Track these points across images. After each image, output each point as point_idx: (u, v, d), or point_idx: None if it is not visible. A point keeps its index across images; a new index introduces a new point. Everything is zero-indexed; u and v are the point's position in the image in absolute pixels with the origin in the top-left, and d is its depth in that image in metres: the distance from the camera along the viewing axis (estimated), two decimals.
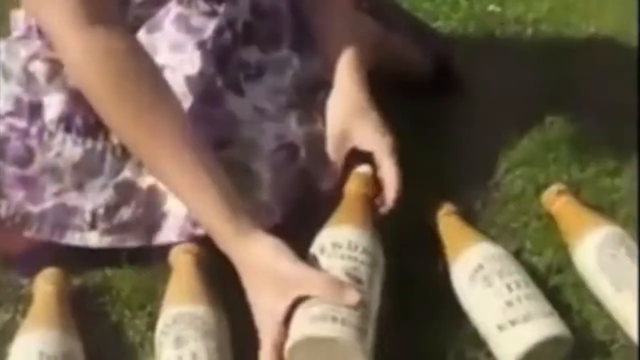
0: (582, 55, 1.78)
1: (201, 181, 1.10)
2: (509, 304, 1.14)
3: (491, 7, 1.91)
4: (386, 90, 1.44)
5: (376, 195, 1.24)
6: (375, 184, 1.25)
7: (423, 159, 1.41)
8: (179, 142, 1.12)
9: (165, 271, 1.23)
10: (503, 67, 1.68)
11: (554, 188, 1.37)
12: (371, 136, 1.25)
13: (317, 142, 1.28)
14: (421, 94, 1.55)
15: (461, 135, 1.52)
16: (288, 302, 1.04)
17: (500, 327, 1.13)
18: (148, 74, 1.14)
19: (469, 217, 1.35)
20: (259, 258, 1.07)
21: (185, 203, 1.16)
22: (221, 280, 1.22)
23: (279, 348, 1.03)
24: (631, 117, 1.56)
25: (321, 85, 1.31)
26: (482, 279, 1.17)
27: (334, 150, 1.26)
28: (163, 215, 1.22)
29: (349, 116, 1.26)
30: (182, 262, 1.22)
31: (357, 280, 1.08)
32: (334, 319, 1.02)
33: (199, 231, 1.20)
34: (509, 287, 1.15)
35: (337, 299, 1.02)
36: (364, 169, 1.26)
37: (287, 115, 1.27)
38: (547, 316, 1.14)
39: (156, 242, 1.22)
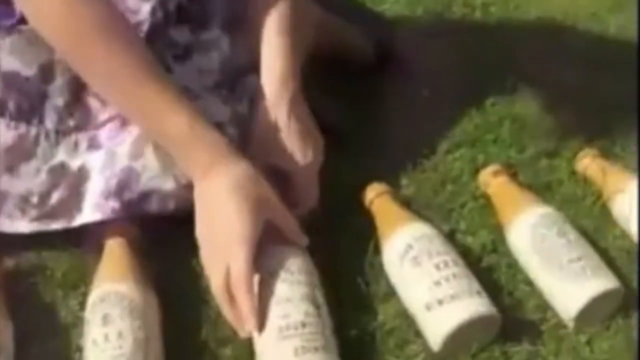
0: (527, 39, 1.79)
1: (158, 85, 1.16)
2: (437, 283, 1.15)
3: None
4: (325, 70, 1.46)
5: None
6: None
7: (360, 140, 1.42)
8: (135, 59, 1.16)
9: (99, 250, 1.23)
10: (447, 49, 1.69)
11: (490, 169, 1.38)
12: (289, 156, 1.27)
13: (243, 121, 1.28)
14: (361, 75, 1.55)
15: (401, 116, 1.53)
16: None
17: (428, 307, 1.14)
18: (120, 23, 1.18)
19: (405, 198, 1.36)
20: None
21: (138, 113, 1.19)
22: (153, 259, 1.23)
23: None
24: (571, 98, 1.57)
25: (250, 68, 1.31)
26: (411, 259, 1.18)
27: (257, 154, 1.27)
28: (83, 194, 1.22)
29: (269, 128, 1.28)
30: (113, 241, 1.22)
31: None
32: (479, 293, 1.13)
33: (111, 204, 1.21)
34: (437, 267, 1.16)
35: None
36: None
37: (212, 96, 1.27)
38: (474, 296, 1.14)
39: (76, 223, 1.22)
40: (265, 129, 1.27)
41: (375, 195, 1.29)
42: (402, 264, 1.18)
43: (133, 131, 1.23)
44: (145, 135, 1.22)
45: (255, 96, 1.30)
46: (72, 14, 1.13)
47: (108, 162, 1.22)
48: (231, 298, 1.09)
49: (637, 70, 1.60)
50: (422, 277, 1.16)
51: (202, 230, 1.16)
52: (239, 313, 1.09)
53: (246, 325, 1.08)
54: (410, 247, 1.19)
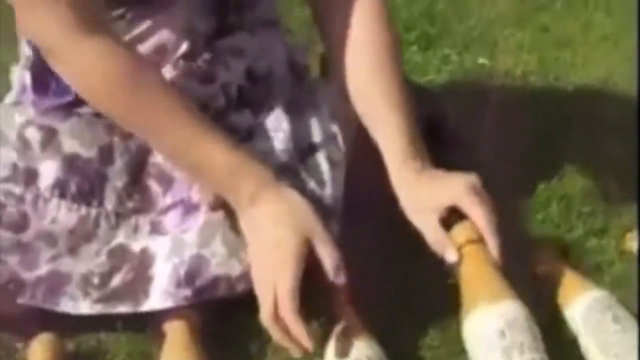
0: (571, 107, 1.80)
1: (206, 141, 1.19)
2: None
3: (481, 60, 1.93)
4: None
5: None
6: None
7: None
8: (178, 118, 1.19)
9: (159, 336, 1.25)
10: (492, 121, 1.70)
11: (543, 251, 1.38)
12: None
13: (312, 201, 1.29)
14: None
15: None
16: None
17: None
18: (148, 73, 1.21)
19: None
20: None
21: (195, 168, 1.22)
22: (216, 345, 1.24)
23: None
24: (615, 171, 1.58)
25: (312, 148, 1.33)
26: (503, 349, 1.15)
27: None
28: (150, 279, 1.24)
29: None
30: (175, 328, 1.24)
31: None
32: None
33: (183, 292, 1.22)
34: None
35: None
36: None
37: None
38: None
39: (144, 309, 1.23)
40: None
41: (466, 242, 1.23)
42: (489, 348, 1.16)
43: (199, 218, 1.25)
44: (192, 178, 1.26)
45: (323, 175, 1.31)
46: (104, 70, 1.17)
47: (175, 248, 1.24)
48: (281, 321, 1.13)
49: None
50: None
51: (252, 257, 1.20)
52: (290, 334, 1.12)
53: (301, 345, 1.12)
54: (503, 334, 1.16)
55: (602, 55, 2.01)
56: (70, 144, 1.27)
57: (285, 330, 1.12)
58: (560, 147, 1.65)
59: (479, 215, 1.20)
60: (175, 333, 1.23)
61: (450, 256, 1.21)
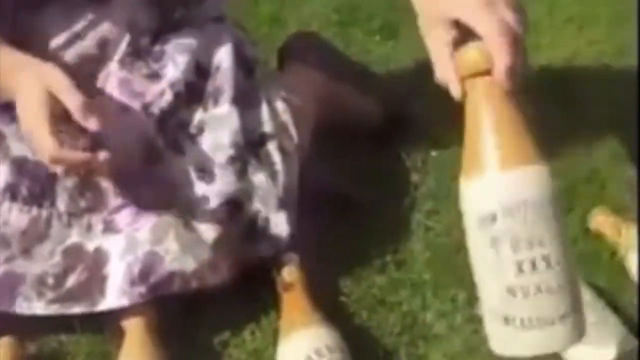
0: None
1: None
2: None
3: None
4: (333, 139, 1.47)
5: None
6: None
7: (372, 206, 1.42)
8: None
9: (118, 335, 1.25)
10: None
11: None
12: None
13: (263, 193, 1.29)
14: (371, 140, 1.56)
15: (408, 178, 1.53)
16: None
17: None
18: None
19: (421, 263, 1.36)
20: None
21: None
22: (178, 341, 1.26)
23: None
24: (581, 150, 1.57)
25: (264, 139, 1.33)
26: None
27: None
28: (104, 279, 1.23)
29: None
30: (133, 326, 1.24)
31: None
32: None
33: (138, 289, 1.23)
34: None
35: None
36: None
37: (227, 172, 1.29)
38: None
39: (100, 308, 1.23)
40: None
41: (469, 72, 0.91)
42: None
43: (152, 216, 1.25)
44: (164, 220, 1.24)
45: (275, 165, 1.31)
46: None
47: (129, 246, 1.24)
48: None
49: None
50: None
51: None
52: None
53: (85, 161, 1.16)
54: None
55: (568, 37, 1.98)
56: (18, 147, 1.27)
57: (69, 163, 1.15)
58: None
59: (485, 29, 0.87)
60: (134, 331, 1.23)
61: (453, 92, 0.93)
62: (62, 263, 1.24)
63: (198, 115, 1.33)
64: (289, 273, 1.27)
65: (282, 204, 1.28)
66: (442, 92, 0.95)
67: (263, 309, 1.29)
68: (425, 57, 0.96)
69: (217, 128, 1.31)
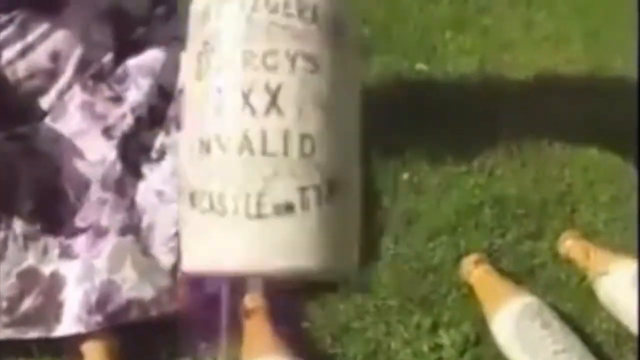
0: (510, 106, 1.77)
1: None
2: None
3: (419, 66, 1.90)
4: None
5: None
6: None
7: None
8: None
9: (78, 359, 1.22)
10: (429, 125, 1.67)
11: (471, 258, 1.36)
12: None
13: None
14: None
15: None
16: None
17: None
18: None
19: (385, 288, 1.34)
20: None
21: None
22: None
23: None
24: (551, 172, 1.56)
25: None
26: None
27: None
28: (60, 304, 1.21)
29: None
30: (92, 350, 1.22)
31: None
32: None
33: (95, 318, 1.20)
34: None
35: None
36: None
37: None
38: None
39: (56, 334, 1.21)
40: None
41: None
42: None
43: (109, 242, 1.22)
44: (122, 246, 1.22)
45: None
46: None
47: (86, 273, 1.21)
48: None
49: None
50: None
51: None
52: None
53: None
54: None
55: (544, 55, 1.97)
56: None
57: None
58: (494, 147, 1.62)
59: None
60: (93, 355, 1.21)
61: None
62: (18, 285, 1.21)
63: (160, 139, 1.31)
64: (252, 299, 1.25)
65: None
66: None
67: (225, 335, 1.26)
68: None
69: (178, 152, 1.29)
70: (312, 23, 0.65)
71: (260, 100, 0.66)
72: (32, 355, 1.24)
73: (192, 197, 0.70)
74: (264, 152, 0.67)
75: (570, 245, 1.41)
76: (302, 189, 0.67)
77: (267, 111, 0.65)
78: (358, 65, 0.73)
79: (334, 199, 0.69)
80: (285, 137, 0.64)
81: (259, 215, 0.66)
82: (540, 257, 1.43)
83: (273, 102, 0.64)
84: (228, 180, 0.67)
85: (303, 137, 0.65)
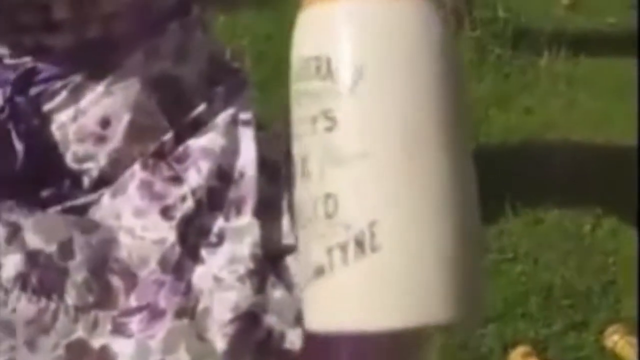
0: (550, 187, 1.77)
1: None
2: None
3: None
4: None
5: None
6: None
7: None
8: None
9: None
10: None
11: (520, 350, 1.35)
12: None
13: (280, 307, 1.26)
14: None
15: None
16: None
17: None
18: None
19: None
20: None
21: None
22: None
23: None
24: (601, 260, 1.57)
25: (284, 252, 1.30)
26: None
27: None
28: None
29: None
30: None
31: None
32: None
33: None
34: None
35: None
36: None
37: (244, 285, 1.26)
38: None
39: None
40: None
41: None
42: None
43: (165, 324, 1.22)
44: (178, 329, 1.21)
45: (294, 279, 1.28)
46: None
47: (140, 353, 1.21)
48: None
49: None
50: None
51: None
52: None
53: None
54: None
55: (586, 136, 1.98)
56: (32, 240, 1.25)
57: None
58: (540, 234, 1.63)
59: None
60: None
61: None
62: (65, 357, 1.21)
63: (219, 224, 1.30)
64: None
65: (299, 319, 1.25)
66: None
67: None
68: None
69: (237, 239, 1.28)
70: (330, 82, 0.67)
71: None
72: None
73: None
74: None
75: (616, 340, 1.40)
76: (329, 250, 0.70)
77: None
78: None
79: (365, 256, 0.70)
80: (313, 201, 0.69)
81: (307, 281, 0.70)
82: (585, 349, 1.41)
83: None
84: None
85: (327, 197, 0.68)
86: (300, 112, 0.69)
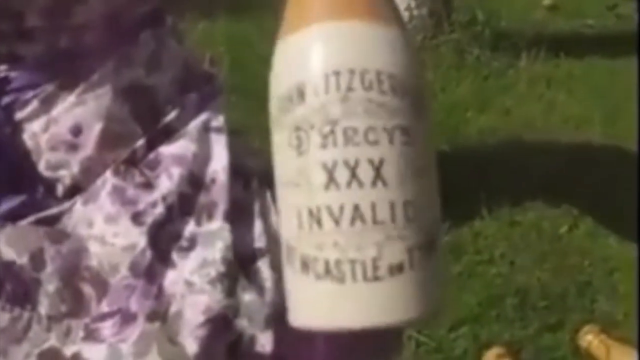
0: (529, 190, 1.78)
1: None
2: None
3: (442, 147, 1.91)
4: None
5: None
6: None
7: None
8: None
9: None
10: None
11: (494, 351, 1.36)
12: None
13: (251, 311, 1.27)
14: None
15: None
16: None
17: None
18: None
19: None
20: None
21: None
22: None
23: None
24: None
25: (256, 255, 1.31)
26: None
27: None
28: None
29: None
30: None
31: None
32: None
33: None
34: None
35: None
36: None
37: (215, 288, 1.27)
38: None
39: None
40: None
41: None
42: None
43: (137, 328, 1.22)
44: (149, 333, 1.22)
45: (265, 282, 1.29)
46: None
47: (112, 358, 1.21)
48: None
49: None
50: None
51: None
52: None
53: None
54: None
55: (565, 137, 1.99)
56: (6, 252, 1.25)
57: None
58: (517, 236, 1.64)
59: None
60: None
61: None
62: None
63: (190, 228, 1.31)
64: None
65: (269, 322, 1.26)
66: None
67: None
68: None
69: (209, 243, 1.29)
70: (403, 99, 0.69)
71: (366, 173, 0.71)
72: None
73: (304, 264, 0.74)
74: (375, 221, 0.72)
75: (590, 340, 1.41)
76: (410, 250, 0.72)
77: (374, 183, 0.71)
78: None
79: (432, 255, 0.73)
80: (392, 206, 0.72)
81: (376, 278, 0.72)
82: (560, 350, 1.42)
83: (378, 175, 0.73)
84: (343, 248, 0.73)
85: (406, 204, 0.70)
86: (368, 120, 0.70)
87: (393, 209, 0.67)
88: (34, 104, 1.32)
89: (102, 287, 1.27)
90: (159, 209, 1.30)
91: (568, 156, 1.93)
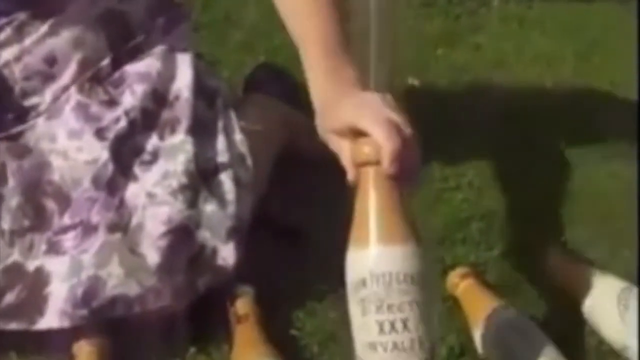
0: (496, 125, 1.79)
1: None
2: None
3: (411, 81, 1.92)
4: (294, 173, 1.47)
5: None
6: None
7: (324, 240, 1.42)
8: None
9: (69, 356, 1.24)
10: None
11: (458, 271, 1.37)
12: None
13: (212, 222, 1.28)
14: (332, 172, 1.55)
15: None
16: None
17: None
18: None
19: None
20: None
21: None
22: None
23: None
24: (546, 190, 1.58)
25: (218, 169, 1.33)
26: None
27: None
28: (45, 299, 1.23)
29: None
30: (83, 351, 1.23)
31: None
32: None
33: (80, 312, 1.22)
34: None
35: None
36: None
37: (176, 199, 1.28)
38: None
39: (38, 327, 1.22)
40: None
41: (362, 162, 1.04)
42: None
43: (98, 239, 1.24)
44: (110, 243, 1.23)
45: (226, 195, 1.30)
46: None
47: (73, 269, 1.23)
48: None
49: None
50: None
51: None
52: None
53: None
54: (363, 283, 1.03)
55: (536, 74, 2.00)
56: None
57: None
58: (485, 165, 1.64)
59: (376, 133, 0.98)
60: (84, 356, 1.22)
61: (349, 177, 1.03)
62: (1, 281, 1.22)
63: (153, 142, 1.33)
64: (243, 305, 1.27)
65: (231, 235, 1.27)
66: None
67: (215, 340, 1.28)
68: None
69: (171, 156, 1.31)
70: (417, 284, 1.00)
71: (399, 325, 0.99)
72: (26, 354, 1.26)
73: None
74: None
75: (555, 261, 1.42)
76: None
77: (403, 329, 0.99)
78: None
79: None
80: (413, 342, 0.99)
81: None
82: (525, 272, 1.43)
83: (405, 327, 0.99)
84: None
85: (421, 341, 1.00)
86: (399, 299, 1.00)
87: (413, 343, 0.99)
88: (7, 31, 1.33)
89: (64, 200, 1.28)
90: (122, 124, 1.31)
91: (537, 92, 1.94)
